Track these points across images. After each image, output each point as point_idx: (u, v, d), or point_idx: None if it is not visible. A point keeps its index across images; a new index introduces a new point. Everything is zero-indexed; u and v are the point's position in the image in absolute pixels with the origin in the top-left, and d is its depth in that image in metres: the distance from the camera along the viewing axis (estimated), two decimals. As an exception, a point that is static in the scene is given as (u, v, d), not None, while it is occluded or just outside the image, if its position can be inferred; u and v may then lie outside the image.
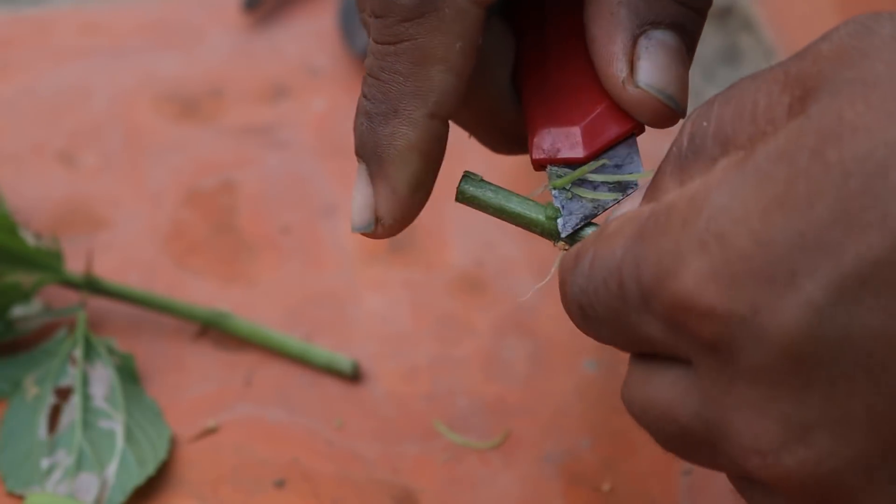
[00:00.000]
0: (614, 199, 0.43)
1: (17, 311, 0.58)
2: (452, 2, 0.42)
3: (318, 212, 0.64)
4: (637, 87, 0.42)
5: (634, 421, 0.40)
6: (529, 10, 0.46)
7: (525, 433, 0.56)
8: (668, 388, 0.38)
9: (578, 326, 0.41)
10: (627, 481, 0.54)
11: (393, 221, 0.44)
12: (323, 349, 0.58)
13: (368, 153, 0.43)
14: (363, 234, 0.44)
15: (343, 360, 0.57)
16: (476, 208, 0.45)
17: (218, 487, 0.54)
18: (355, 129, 0.44)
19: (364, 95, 0.43)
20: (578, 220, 0.43)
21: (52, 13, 0.74)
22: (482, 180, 0.44)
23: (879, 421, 0.35)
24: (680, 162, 0.39)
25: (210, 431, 0.56)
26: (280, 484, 0.54)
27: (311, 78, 0.70)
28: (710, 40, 0.72)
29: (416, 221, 0.64)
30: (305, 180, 0.65)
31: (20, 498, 0.53)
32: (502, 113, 0.47)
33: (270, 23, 0.73)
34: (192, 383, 0.57)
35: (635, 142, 0.44)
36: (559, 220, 0.43)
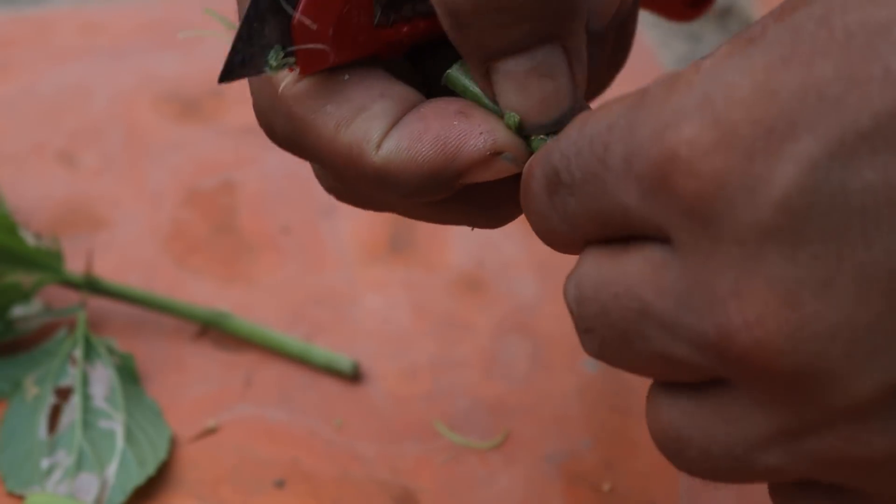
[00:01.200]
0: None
1: (17, 311, 0.58)
2: None
3: (318, 212, 0.64)
4: None
5: (572, 318, 0.39)
6: None
7: (525, 433, 0.56)
8: (634, 266, 0.37)
9: (537, 208, 0.39)
10: (627, 481, 0.54)
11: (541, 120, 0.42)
12: (323, 349, 0.58)
13: (557, 20, 0.41)
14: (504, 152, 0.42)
15: (343, 360, 0.57)
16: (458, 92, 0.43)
17: (218, 487, 0.54)
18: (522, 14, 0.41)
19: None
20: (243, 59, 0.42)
21: (52, 13, 0.74)
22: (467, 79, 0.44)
23: (868, 284, 0.34)
24: None
25: (210, 431, 0.56)
26: (280, 484, 0.54)
27: (311, 78, 0.70)
28: (710, 40, 0.72)
29: (416, 221, 0.65)
30: (305, 180, 0.65)
31: (20, 498, 0.54)
32: None
33: (270, 23, 0.73)
34: (192, 383, 0.57)
35: None
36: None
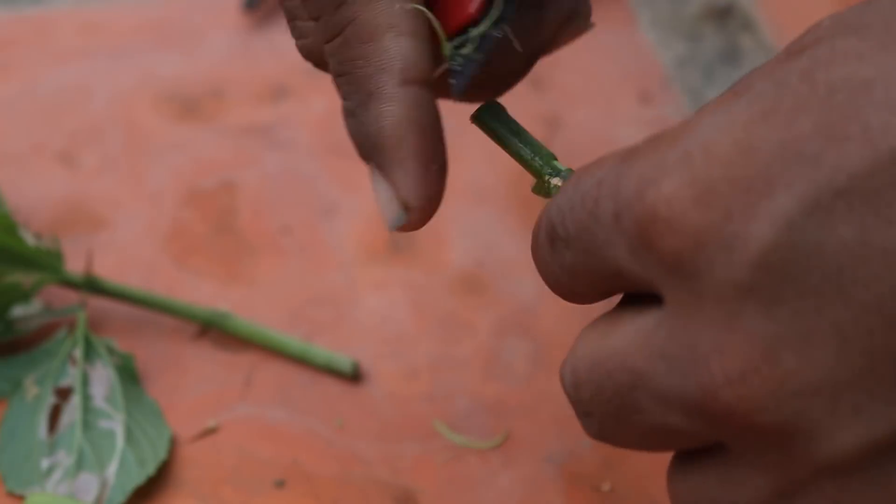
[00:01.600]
0: (476, 59, 0.42)
1: (17, 311, 0.58)
2: None
3: (318, 212, 0.64)
4: None
5: (571, 403, 0.39)
6: None
7: (525, 433, 0.56)
8: (626, 336, 0.37)
9: (542, 259, 0.40)
10: (627, 481, 0.54)
11: (420, 202, 0.42)
12: (323, 349, 0.58)
13: (368, 148, 0.43)
14: (402, 230, 0.43)
15: (343, 360, 0.57)
16: (485, 133, 0.44)
17: (218, 487, 0.54)
18: (349, 133, 0.43)
19: (343, 98, 0.43)
20: (472, 71, 0.42)
21: (52, 13, 0.74)
22: (502, 111, 0.44)
23: (847, 340, 0.34)
24: None
25: (210, 431, 0.56)
26: (280, 484, 0.54)
27: (311, 78, 0.70)
28: (710, 40, 0.72)
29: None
30: (305, 180, 0.65)
31: (20, 498, 0.54)
32: None
33: (270, 23, 0.73)
34: (192, 383, 0.57)
35: None
36: (452, 81, 0.42)
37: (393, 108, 0.42)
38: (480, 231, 0.63)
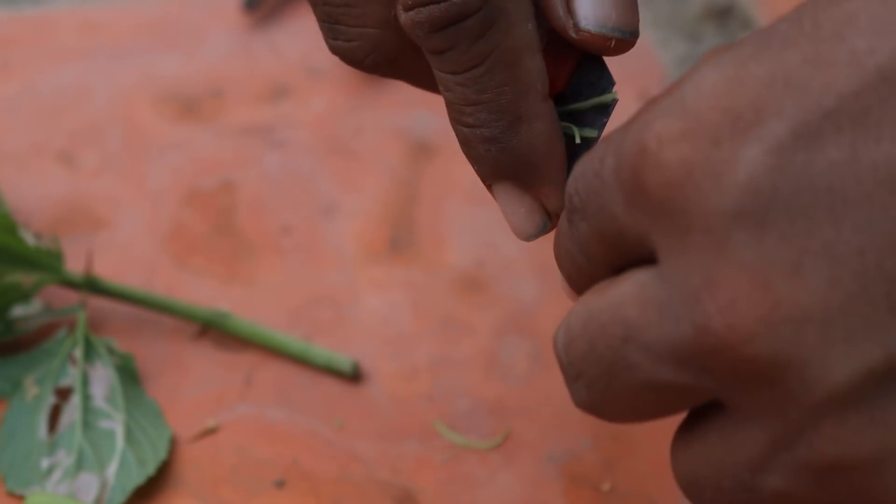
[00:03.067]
0: (602, 123, 0.44)
1: (17, 311, 0.58)
2: None
3: (318, 212, 0.64)
4: (578, 30, 0.42)
5: (562, 370, 0.39)
6: None
7: (525, 433, 0.56)
8: (620, 290, 0.37)
9: (562, 244, 0.40)
10: (627, 481, 0.54)
11: (562, 207, 0.43)
12: (323, 349, 0.58)
13: (514, 169, 0.43)
14: (534, 238, 0.45)
15: (343, 360, 0.57)
16: None
17: (218, 487, 0.54)
18: (480, 160, 0.43)
19: (471, 127, 0.43)
20: (600, 128, 0.44)
21: (52, 13, 0.74)
22: None
23: (838, 262, 0.33)
24: None
25: (210, 431, 0.56)
26: (280, 484, 0.54)
27: (311, 78, 0.70)
28: (710, 40, 0.72)
29: (416, 221, 0.65)
30: (305, 180, 0.65)
31: (20, 498, 0.54)
32: None
33: (270, 23, 0.73)
34: (192, 383, 0.57)
35: (601, 60, 0.44)
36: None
37: (543, 125, 0.43)
38: (480, 231, 0.63)
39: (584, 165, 0.39)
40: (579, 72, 0.44)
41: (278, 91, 0.69)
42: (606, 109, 0.44)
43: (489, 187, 0.44)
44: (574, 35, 0.42)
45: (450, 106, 0.43)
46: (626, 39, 0.42)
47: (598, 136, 0.44)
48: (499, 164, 0.43)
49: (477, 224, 0.63)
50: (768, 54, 0.35)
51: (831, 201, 0.33)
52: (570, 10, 0.42)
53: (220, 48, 0.72)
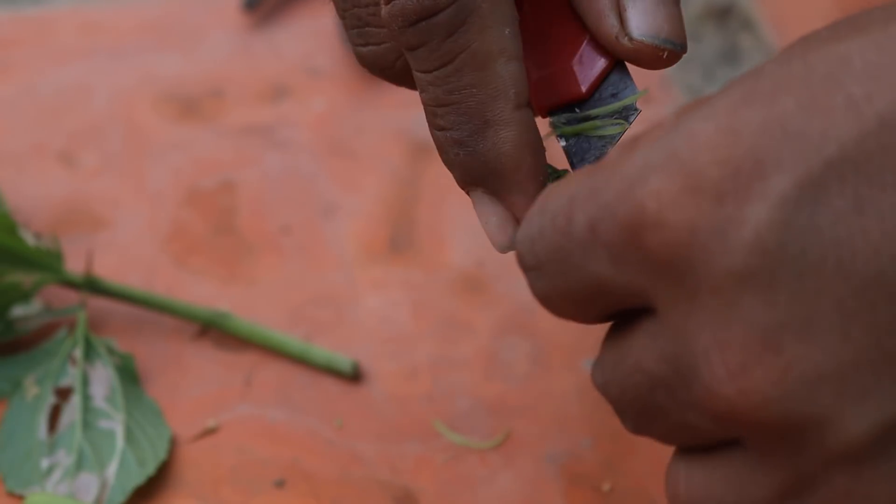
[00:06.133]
0: (620, 130, 0.43)
1: (17, 311, 0.58)
2: None
3: (318, 212, 0.64)
4: (631, 39, 0.42)
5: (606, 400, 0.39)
6: None
7: (525, 433, 0.56)
8: (635, 341, 0.37)
9: (530, 285, 0.40)
10: (627, 481, 0.54)
11: None
12: (323, 349, 0.58)
13: (482, 175, 0.42)
14: (510, 250, 0.43)
15: (343, 360, 0.57)
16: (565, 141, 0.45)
17: (218, 487, 0.54)
18: (452, 165, 0.43)
19: (441, 128, 0.42)
20: (594, 161, 0.43)
21: (52, 13, 0.74)
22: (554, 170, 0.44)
23: (850, 317, 0.33)
24: None
25: (210, 431, 0.56)
26: (280, 484, 0.54)
27: (311, 78, 0.70)
28: (710, 40, 0.72)
29: (416, 221, 0.65)
30: (305, 180, 0.65)
31: (20, 498, 0.53)
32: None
33: (270, 23, 0.73)
34: (192, 383, 0.57)
35: (626, 68, 0.44)
36: (574, 167, 0.43)
37: (512, 133, 0.42)
38: (480, 231, 0.63)
39: (541, 223, 0.38)
40: (606, 82, 0.43)
41: (278, 91, 0.69)
42: (627, 117, 0.43)
43: (469, 195, 0.44)
44: (627, 44, 0.42)
45: (425, 108, 0.42)
46: (676, 51, 0.42)
47: (616, 139, 0.44)
48: (468, 169, 0.42)
49: (477, 224, 0.63)
50: (760, 99, 0.34)
51: (839, 256, 0.33)
52: (622, 20, 0.42)
53: (220, 48, 0.72)
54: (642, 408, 0.37)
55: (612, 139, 0.43)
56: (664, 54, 0.42)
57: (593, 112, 0.43)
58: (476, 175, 0.42)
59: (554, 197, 0.38)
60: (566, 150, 0.44)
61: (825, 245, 0.33)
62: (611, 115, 0.43)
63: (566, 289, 0.38)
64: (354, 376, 0.57)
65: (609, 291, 0.37)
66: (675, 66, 0.72)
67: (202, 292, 0.61)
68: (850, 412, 0.33)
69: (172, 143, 0.67)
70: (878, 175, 0.33)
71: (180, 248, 0.63)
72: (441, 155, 0.43)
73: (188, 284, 0.61)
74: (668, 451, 0.40)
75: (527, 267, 0.39)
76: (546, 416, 0.56)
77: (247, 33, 0.72)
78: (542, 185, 0.42)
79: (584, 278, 0.37)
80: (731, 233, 0.33)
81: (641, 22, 0.42)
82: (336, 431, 0.56)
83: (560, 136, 0.44)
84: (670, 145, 0.35)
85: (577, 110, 0.44)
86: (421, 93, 0.42)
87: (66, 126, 0.68)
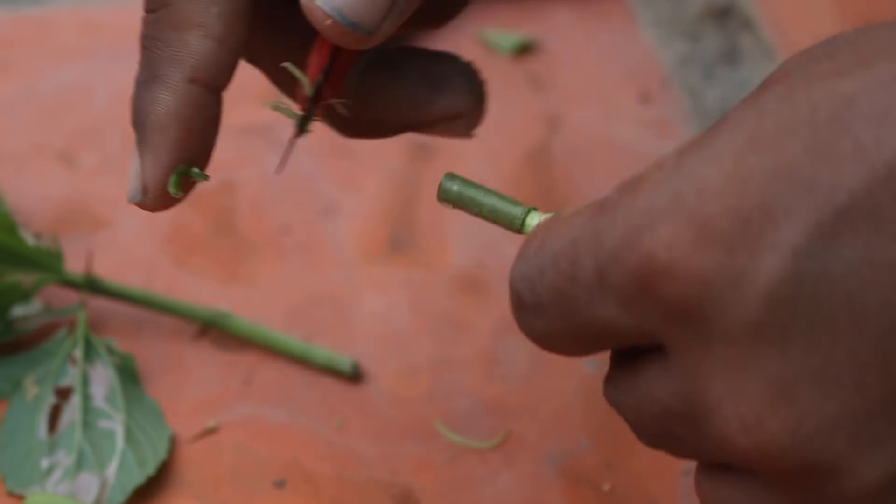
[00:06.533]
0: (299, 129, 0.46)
1: (17, 311, 0.58)
2: None
3: (318, 212, 0.64)
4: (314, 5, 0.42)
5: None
6: None
7: (525, 433, 0.56)
8: (646, 372, 0.37)
9: (517, 321, 0.39)
10: (627, 481, 0.54)
11: (157, 191, 0.43)
12: (323, 349, 0.58)
13: (135, 120, 0.43)
14: (140, 207, 0.44)
15: (343, 360, 0.57)
16: (456, 207, 0.44)
17: (218, 487, 0.54)
18: (131, 99, 0.44)
19: (139, 66, 0.44)
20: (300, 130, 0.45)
21: (52, 13, 0.74)
22: (464, 179, 0.44)
23: (863, 370, 0.33)
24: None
25: (210, 431, 0.56)
26: (280, 484, 0.54)
27: (311, 78, 0.70)
28: (710, 40, 0.72)
29: (416, 221, 0.64)
30: (305, 180, 0.65)
31: (20, 498, 0.53)
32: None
33: (270, 23, 0.73)
34: (192, 383, 0.57)
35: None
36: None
37: (168, 97, 0.42)
38: (480, 231, 0.63)
39: (541, 264, 0.37)
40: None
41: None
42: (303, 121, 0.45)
43: None
44: (305, 3, 0.42)
45: None
46: (342, 25, 0.41)
47: None
48: (132, 108, 0.43)
49: (477, 224, 0.63)
50: (766, 144, 0.34)
51: (851, 307, 0.33)
52: None
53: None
54: (658, 432, 0.37)
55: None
56: (327, 21, 0.41)
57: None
58: (133, 120, 0.43)
59: (554, 237, 0.37)
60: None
61: (837, 297, 0.33)
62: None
63: (569, 330, 0.37)
64: (354, 376, 0.57)
65: (616, 333, 0.37)
66: (675, 66, 0.73)
67: (202, 292, 0.61)
68: (864, 460, 0.33)
69: (172, 143, 0.67)
70: (887, 224, 0.33)
71: (180, 248, 0.63)
72: None
73: (188, 284, 0.61)
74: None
75: (525, 307, 0.38)
76: (546, 416, 0.56)
77: (247, 33, 0.72)
78: (175, 162, 0.43)
79: (591, 322, 0.37)
80: (744, 285, 0.33)
81: None
82: (336, 431, 0.56)
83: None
84: (676, 190, 0.34)
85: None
86: None
87: (66, 126, 0.68)
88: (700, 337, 0.34)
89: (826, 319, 0.33)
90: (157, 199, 0.43)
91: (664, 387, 0.36)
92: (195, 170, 0.44)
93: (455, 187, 0.44)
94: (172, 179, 0.43)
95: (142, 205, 0.44)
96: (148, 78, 0.43)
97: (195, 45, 0.42)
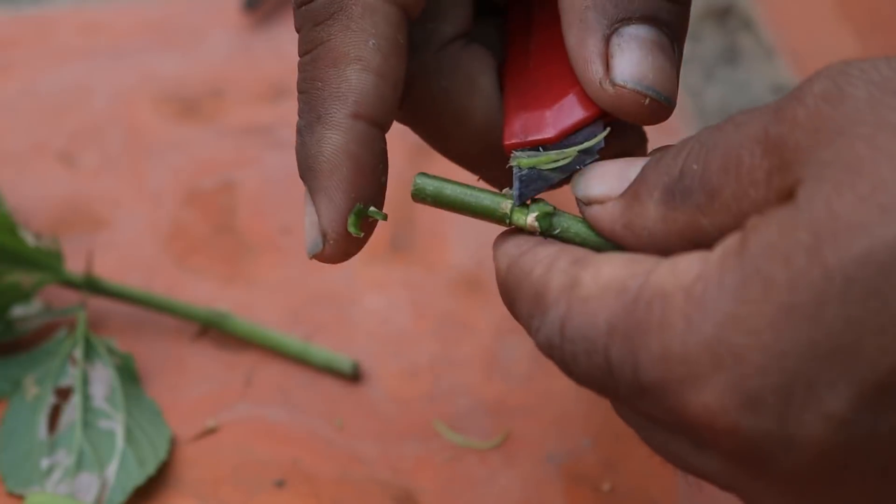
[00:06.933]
0: (569, 160, 0.42)
1: (17, 311, 0.58)
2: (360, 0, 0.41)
3: (318, 212, 0.64)
4: (614, 84, 0.41)
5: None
6: (515, 29, 0.46)
7: (525, 433, 0.56)
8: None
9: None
10: (627, 481, 0.54)
11: (337, 236, 0.42)
12: (323, 349, 0.58)
13: (304, 169, 0.42)
14: (317, 259, 0.43)
15: (343, 360, 0.57)
16: (433, 205, 0.44)
17: (218, 487, 0.54)
18: (296, 152, 0.43)
19: (298, 115, 0.43)
20: (534, 191, 0.42)
21: (52, 13, 0.74)
22: (437, 177, 0.44)
23: None
24: (667, 195, 0.38)
25: (210, 431, 0.56)
26: (280, 484, 0.54)
27: (311, 78, 0.70)
28: (710, 40, 0.72)
29: (416, 221, 0.64)
30: (305, 180, 0.65)
31: (20, 498, 0.53)
32: (492, 128, 0.45)
33: (270, 23, 0.73)
34: (192, 383, 0.57)
35: (603, 127, 0.43)
36: (514, 190, 0.43)
37: (336, 136, 0.41)
38: (480, 231, 0.63)
39: (570, 351, 0.38)
40: (579, 133, 0.43)
41: (278, 91, 0.69)
42: (585, 158, 0.42)
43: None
44: (609, 89, 0.41)
45: None
46: (660, 101, 0.41)
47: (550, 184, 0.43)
48: (298, 160, 0.43)
49: (477, 224, 0.63)
50: (803, 317, 0.34)
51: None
52: (608, 66, 0.41)
53: (220, 48, 0.72)
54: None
55: (565, 171, 0.42)
56: (646, 100, 0.41)
57: (556, 154, 0.43)
58: (302, 167, 0.43)
59: (577, 324, 0.38)
60: (518, 177, 0.43)
61: (882, 457, 0.34)
62: (569, 154, 0.42)
63: (601, 393, 0.39)
64: (354, 376, 0.57)
65: (656, 421, 0.38)
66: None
67: (202, 292, 0.61)
68: None
69: (172, 143, 0.67)
70: None
71: (180, 248, 0.63)
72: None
73: (188, 284, 0.61)
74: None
75: (558, 363, 0.39)
76: (546, 416, 0.56)
77: (247, 33, 0.72)
78: (352, 202, 0.42)
79: (631, 409, 0.38)
80: (794, 448, 0.35)
81: (626, 68, 0.41)
82: (336, 431, 0.56)
83: (516, 165, 0.43)
84: (714, 353, 0.35)
85: (541, 149, 0.43)
86: None
87: (66, 126, 0.68)
88: (751, 475, 0.36)
89: (875, 475, 0.35)
90: (337, 245, 0.42)
91: (719, 471, 0.38)
92: (372, 208, 0.42)
93: (429, 186, 0.43)
94: (352, 219, 0.42)
95: (322, 255, 0.42)
96: (311, 121, 0.42)
97: (355, 79, 0.41)
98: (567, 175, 0.42)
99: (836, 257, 0.34)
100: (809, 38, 0.72)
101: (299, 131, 0.42)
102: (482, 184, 0.45)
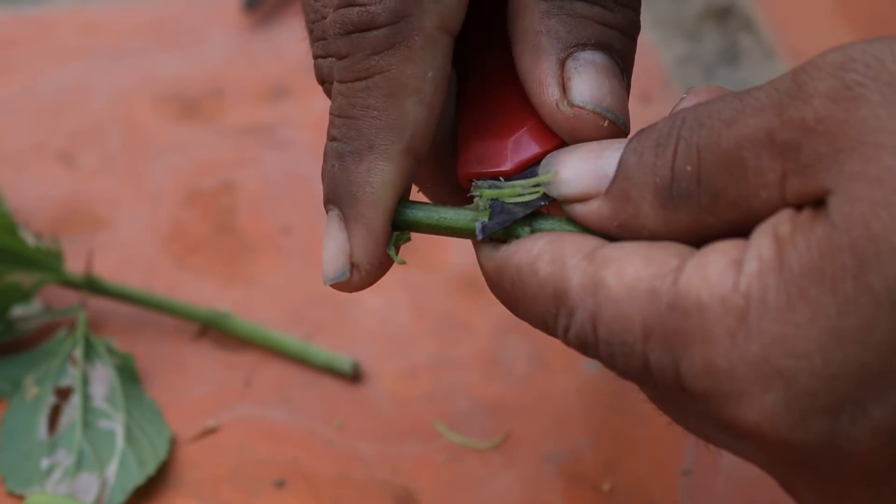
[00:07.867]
0: (536, 197, 0.41)
1: (17, 311, 0.58)
2: (422, 30, 0.41)
3: (318, 212, 0.64)
4: (572, 105, 0.41)
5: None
6: (472, 54, 0.45)
7: (525, 433, 0.56)
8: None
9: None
10: (627, 481, 0.54)
11: (371, 267, 0.42)
12: (323, 349, 0.58)
13: (341, 195, 0.42)
14: (337, 287, 0.42)
15: (343, 360, 0.57)
16: (411, 230, 0.43)
17: (218, 487, 0.54)
18: (324, 175, 0.42)
19: (333, 138, 0.42)
20: (499, 224, 0.41)
21: (52, 13, 0.74)
22: (410, 201, 0.43)
23: None
24: (664, 198, 0.38)
25: (210, 431, 0.56)
26: (280, 484, 0.54)
27: (311, 78, 0.70)
28: (710, 40, 0.72)
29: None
30: (305, 180, 0.65)
31: (20, 498, 0.53)
32: (448, 158, 0.45)
33: (270, 23, 0.73)
34: (192, 383, 0.57)
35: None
36: (477, 224, 0.42)
37: (388, 168, 0.41)
38: (480, 231, 0.63)
39: (607, 344, 0.38)
40: (536, 164, 0.42)
41: (278, 91, 0.69)
42: (547, 198, 0.41)
43: (327, 213, 0.43)
44: (567, 110, 0.41)
45: (329, 117, 0.42)
46: (617, 124, 0.41)
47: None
48: (335, 184, 0.42)
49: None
50: (851, 340, 0.35)
51: None
52: (565, 89, 0.41)
53: (220, 48, 0.72)
54: None
55: (528, 207, 0.41)
56: (605, 122, 0.41)
57: (515, 181, 0.42)
58: (338, 193, 0.42)
59: (611, 325, 0.38)
60: (483, 210, 0.42)
61: None
62: (536, 192, 0.41)
63: (638, 384, 0.40)
64: (354, 376, 0.58)
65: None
66: (675, 66, 0.73)
67: (202, 292, 0.61)
68: None
69: (172, 143, 0.67)
70: None
71: (180, 248, 0.63)
72: (322, 165, 0.43)
73: (188, 284, 0.61)
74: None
75: (592, 356, 0.40)
76: (546, 416, 0.56)
77: (247, 33, 0.72)
78: (385, 239, 0.42)
79: (672, 402, 0.39)
80: (845, 459, 0.36)
81: (585, 90, 0.41)
82: (336, 431, 0.56)
83: (479, 196, 0.42)
84: (764, 373, 0.36)
85: (501, 180, 0.42)
86: (331, 102, 0.42)
87: (66, 126, 0.68)
88: (793, 473, 0.37)
89: None
90: (369, 275, 0.42)
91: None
92: (407, 234, 0.42)
93: (409, 214, 0.42)
94: (392, 250, 0.41)
95: (349, 283, 0.42)
96: (359, 148, 0.41)
97: (412, 113, 0.41)
98: (531, 210, 0.41)
99: (881, 281, 0.34)
100: (809, 38, 0.72)
101: (339, 155, 0.42)
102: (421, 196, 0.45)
